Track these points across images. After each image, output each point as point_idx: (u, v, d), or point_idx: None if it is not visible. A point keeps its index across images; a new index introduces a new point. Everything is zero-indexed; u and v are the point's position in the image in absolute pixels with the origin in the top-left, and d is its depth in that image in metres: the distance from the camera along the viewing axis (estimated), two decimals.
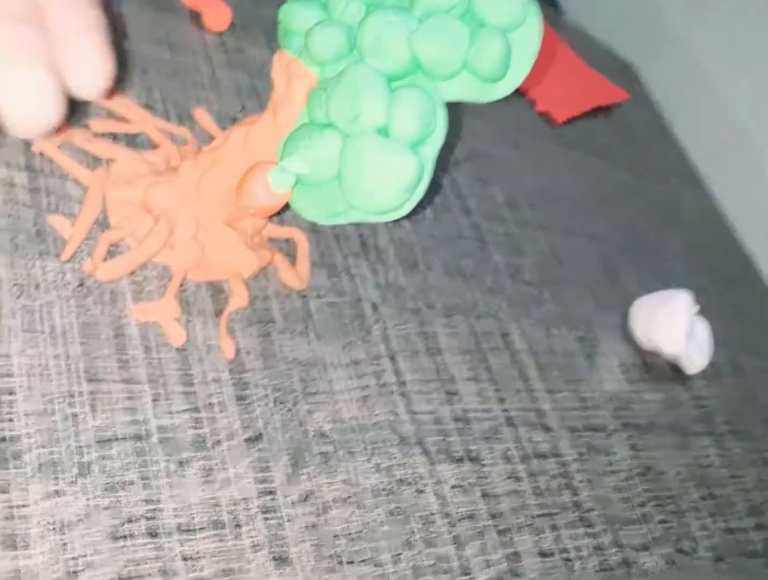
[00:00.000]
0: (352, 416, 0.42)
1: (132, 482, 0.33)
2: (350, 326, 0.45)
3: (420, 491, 0.41)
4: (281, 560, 0.35)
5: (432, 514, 0.41)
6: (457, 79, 0.36)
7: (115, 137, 0.44)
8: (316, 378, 0.42)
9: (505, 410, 0.48)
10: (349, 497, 0.39)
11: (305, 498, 0.37)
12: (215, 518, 0.35)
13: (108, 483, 0.33)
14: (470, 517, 0.42)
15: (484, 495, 0.44)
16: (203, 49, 0.52)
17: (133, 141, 0.44)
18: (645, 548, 0.49)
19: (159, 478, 0.34)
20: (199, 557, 0.33)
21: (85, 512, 0.32)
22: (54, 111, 0.27)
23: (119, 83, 0.46)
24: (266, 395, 0.39)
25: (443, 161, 0.60)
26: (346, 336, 0.45)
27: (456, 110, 0.40)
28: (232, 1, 0.57)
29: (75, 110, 0.43)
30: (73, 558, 0.31)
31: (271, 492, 0.37)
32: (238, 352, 0.40)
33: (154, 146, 0.45)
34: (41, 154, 0.40)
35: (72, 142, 0.42)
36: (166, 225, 0.40)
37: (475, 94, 0.37)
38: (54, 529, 0.31)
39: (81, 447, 0.33)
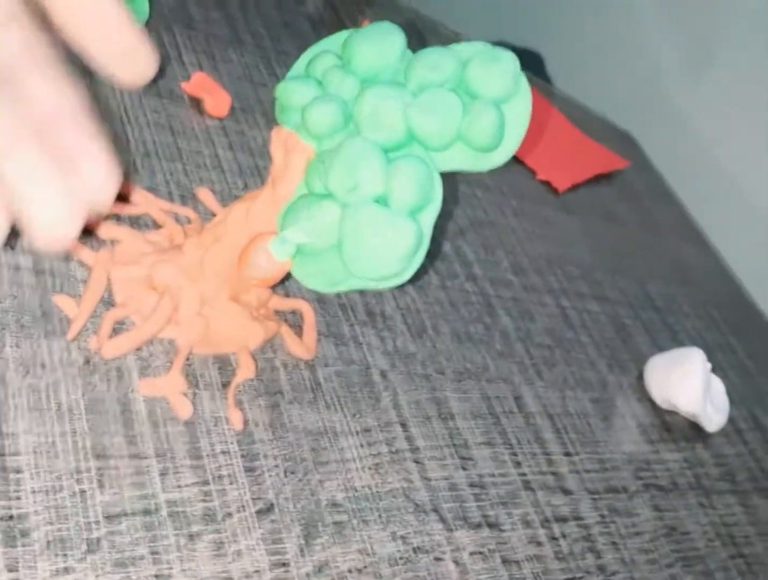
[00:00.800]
0: (364, 484, 0.41)
1: (142, 557, 0.33)
2: (360, 394, 0.45)
3: (438, 559, 0.40)
4: None
5: None
6: (451, 149, 0.37)
7: (118, 219, 0.44)
8: (326, 447, 0.41)
9: (522, 474, 0.47)
10: (365, 566, 0.38)
11: (319, 569, 0.37)
12: None
13: (117, 559, 0.32)
14: None
15: (505, 561, 0.43)
16: (205, 133, 0.53)
17: (136, 222, 0.45)
18: None
19: (169, 552, 0.34)
20: None
21: None
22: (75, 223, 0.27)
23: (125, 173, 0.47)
24: (276, 466, 0.39)
25: (445, 230, 0.61)
26: (356, 404, 0.44)
27: (452, 178, 0.41)
28: (232, 86, 0.58)
29: None
30: None
31: (284, 564, 0.36)
32: (246, 423, 0.40)
33: (158, 227, 0.46)
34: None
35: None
36: (170, 301, 0.40)
37: (469, 163, 0.38)
38: None
39: (89, 523, 0.32)
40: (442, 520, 0.42)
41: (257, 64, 0.62)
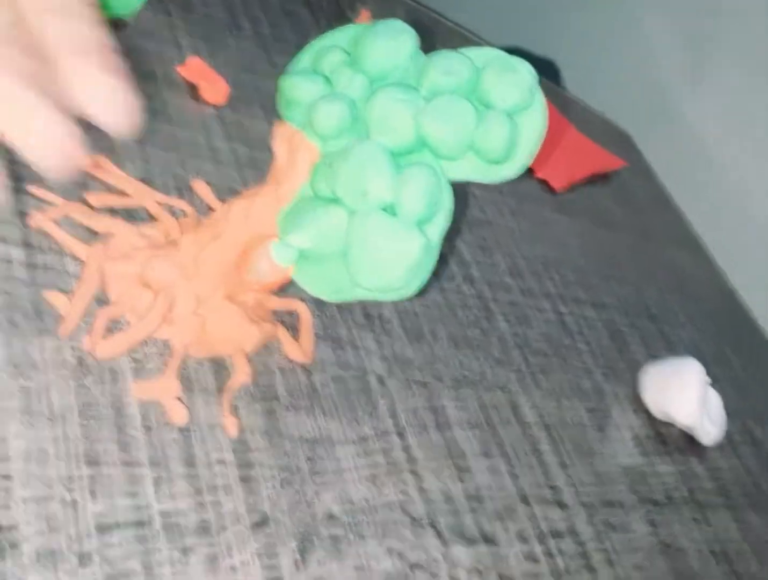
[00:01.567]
0: (361, 496, 0.40)
1: (134, 572, 0.31)
2: (357, 401, 0.44)
3: (434, 575, 0.39)
4: None
5: None
6: (462, 159, 0.36)
7: (113, 211, 0.43)
8: (323, 457, 0.40)
9: (519, 487, 0.46)
10: None
11: None
12: None
13: (110, 573, 0.31)
14: None
15: (501, 578, 0.42)
16: (201, 122, 0.52)
17: (131, 215, 0.43)
18: None
19: (162, 566, 0.32)
20: None
21: None
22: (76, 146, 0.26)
23: (115, 155, 0.45)
24: (272, 476, 0.38)
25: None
26: (353, 411, 0.43)
27: (462, 185, 0.40)
28: (230, 74, 0.57)
29: (73, 184, 0.42)
30: None
31: (279, 579, 0.35)
32: (242, 430, 0.38)
33: (153, 220, 0.44)
34: (38, 229, 0.39)
35: (69, 217, 0.41)
36: (165, 300, 0.39)
37: (480, 174, 0.37)
38: None
39: (81, 535, 0.31)
40: (439, 535, 0.41)
41: (255, 51, 0.61)
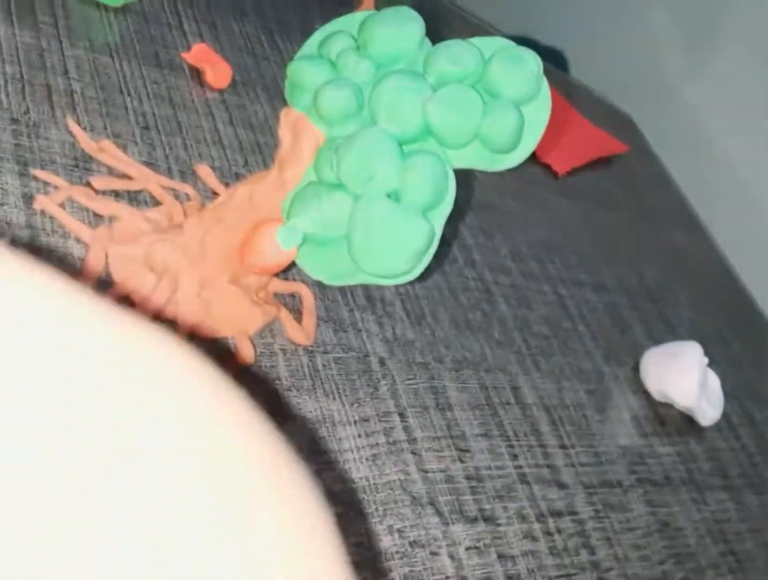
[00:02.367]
0: (362, 475, 0.40)
1: None
2: (358, 382, 0.44)
3: (434, 553, 0.40)
4: None
5: (447, 577, 0.40)
6: (467, 148, 0.36)
7: (117, 195, 0.43)
8: (324, 437, 0.41)
9: (519, 467, 0.47)
10: (362, 561, 0.38)
11: None
12: None
13: None
14: (487, 579, 0.41)
15: (500, 556, 0.42)
16: (205, 106, 0.52)
17: (135, 198, 0.44)
18: None
19: None
20: None
21: None
22: None
23: (120, 139, 0.46)
24: None
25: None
26: (354, 392, 0.44)
27: (464, 170, 0.40)
28: (234, 59, 0.57)
29: (77, 167, 0.42)
30: None
31: None
32: None
33: (156, 203, 0.44)
34: (42, 212, 0.39)
35: (73, 200, 0.41)
36: (169, 283, 0.39)
37: (484, 163, 0.37)
38: None
39: None
40: (439, 513, 0.42)
41: (259, 36, 0.61)
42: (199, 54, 0.55)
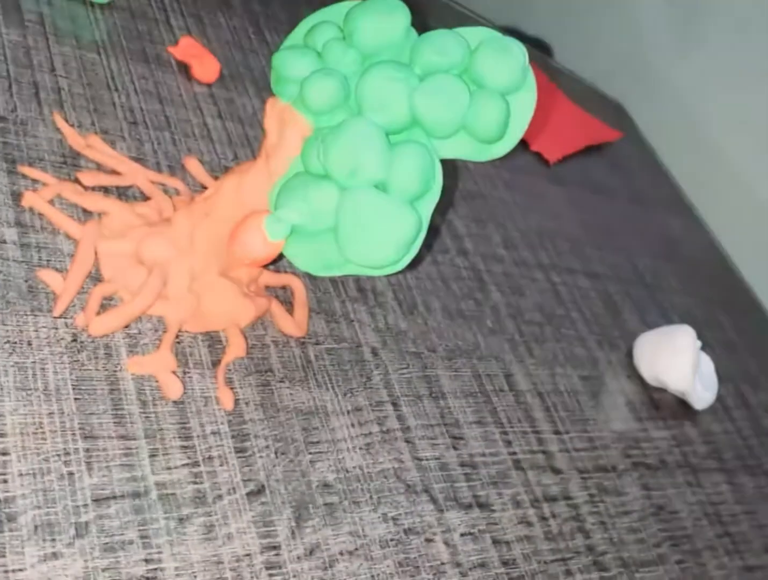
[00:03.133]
0: (356, 464, 0.41)
1: (131, 542, 0.32)
2: (351, 372, 0.44)
3: (429, 540, 0.40)
4: None
5: (443, 564, 0.40)
6: (453, 138, 0.36)
7: (106, 190, 0.43)
8: (317, 427, 0.41)
9: (513, 453, 0.47)
10: (356, 549, 0.38)
11: (311, 552, 0.36)
12: (218, 576, 0.33)
13: (107, 543, 0.32)
14: (482, 565, 0.41)
15: (495, 542, 0.43)
16: (193, 101, 0.52)
17: (124, 193, 0.44)
18: None
19: (159, 536, 0.33)
20: None
21: (83, 574, 0.30)
22: None
23: (108, 134, 0.46)
24: (267, 447, 0.38)
25: (438, 204, 0.60)
26: (347, 383, 0.44)
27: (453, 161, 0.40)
28: (221, 53, 0.57)
29: (65, 164, 0.43)
30: None
31: (275, 547, 0.35)
32: (237, 403, 0.39)
33: (145, 198, 0.44)
34: (31, 209, 0.40)
35: (62, 196, 0.41)
36: (159, 277, 0.40)
37: (469, 153, 0.37)
38: None
39: (78, 507, 0.32)
40: (433, 500, 0.42)
41: (246, 29, 0.61)
42: (187, 48, 0.55)
